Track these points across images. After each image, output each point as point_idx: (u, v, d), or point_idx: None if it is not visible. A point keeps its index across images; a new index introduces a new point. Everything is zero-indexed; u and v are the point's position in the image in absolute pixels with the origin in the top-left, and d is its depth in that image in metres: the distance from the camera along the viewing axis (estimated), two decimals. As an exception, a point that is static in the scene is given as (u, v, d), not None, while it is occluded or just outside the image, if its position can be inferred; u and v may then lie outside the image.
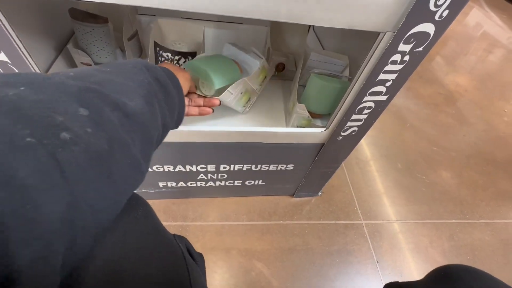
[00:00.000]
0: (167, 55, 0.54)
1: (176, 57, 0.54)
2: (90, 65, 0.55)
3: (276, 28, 0.71)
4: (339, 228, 0.82)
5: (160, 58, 0.56)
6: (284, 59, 0.67)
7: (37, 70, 0.38)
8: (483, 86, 1.56)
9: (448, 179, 1.03)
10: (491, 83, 1.61)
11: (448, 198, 0.96)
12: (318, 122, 0.62)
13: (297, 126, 0.61)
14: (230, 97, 0.52)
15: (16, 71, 0.37)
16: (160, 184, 0.70)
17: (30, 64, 0.37)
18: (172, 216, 0.77)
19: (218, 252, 0.72)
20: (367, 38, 0.53)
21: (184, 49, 0.55)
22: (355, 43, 0.61)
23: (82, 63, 0.55)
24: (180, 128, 0.52)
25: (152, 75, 0.26)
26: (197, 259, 0.31)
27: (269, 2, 0.33)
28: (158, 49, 0.54)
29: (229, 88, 0.50)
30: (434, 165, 1.06)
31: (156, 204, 0.77)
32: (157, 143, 0.25)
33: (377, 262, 0.77)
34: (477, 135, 1.23)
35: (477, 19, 2.44)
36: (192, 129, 0.52)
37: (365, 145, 1.09)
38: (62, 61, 0.56)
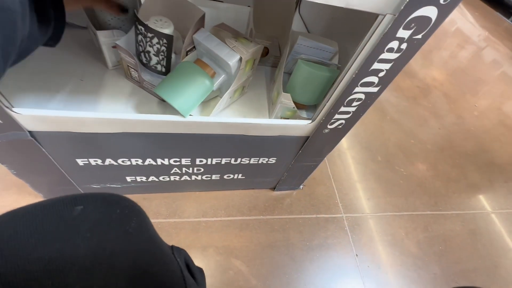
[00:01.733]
0: (141, 29, 0.45)
1: (150, 35, 0.46)
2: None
3: (260, 9, 0.64)
4: (320, 222, 0.80)
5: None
6: (268, 42, 0.61)
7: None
8: (456, 81, 1.62)
9: (424, 171, 1.05)
10: (464, 78, 1.67)
11: (424, 190, 0.99)
12: (304, 113, 0.58)
13: (281, 117, 0.56)
14: (222, 105, 0.46)
15: None
16: (128, 179, 0.63)
17: None
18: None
19: (194, 250, 0.67)
20: (359, 22, 0.49)
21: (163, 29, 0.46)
22: (345, 28, 0.56)
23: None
24: (150, 117, 0.45)
25: None
26: (197, 276, 0.26)
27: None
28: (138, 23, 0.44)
29: (218, 104, 0.45)
30: (411, 157, 1.08)
31: (124, 200, 0.70)
32: (22, 52, 0.22)
33: (356, 256, 0.76)
34: (450, 129, 1.27)
35: (452, 15, 2.52)
36: (164, 119, 0.46)
37: (347, 137, 1.07)
38: None
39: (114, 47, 0.50)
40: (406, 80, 1.47)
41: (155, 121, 0.45)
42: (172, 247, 0.25)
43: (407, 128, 1.20)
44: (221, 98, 0.50)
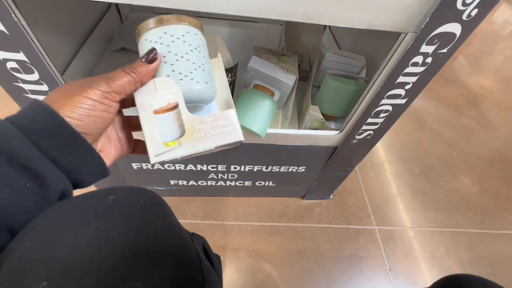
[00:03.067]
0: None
1: None
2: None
3: (291, 27, 0.70)
4: (351, 233, 0.80)
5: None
6: (299, 58, 0.66)
7: (54, 69, 0.39)
8: (509, 88, 1.48)
9: (468, 186, 0.98)
10: (519, 85, 1.52)
11: (468, 206, 0.92)
12: (332, 124, 0.60)
13: (310, 128, 0.59)
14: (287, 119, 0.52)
15: (35, 70, 0.37)
16: (171, 182, 0.71)
17: (47, 62, 0.37)
18: (182, 214, 0.77)
19: (227, 251, 0.72)
20: (386, 37, 0.51)
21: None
22: (373, 42, 0.59)
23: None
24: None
25: None
26: (214, 261, 0.30)
27: (285, 2, 0.32)
28: None
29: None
30: (453, 170, 1.02)
31: (167, 201, 0.78)
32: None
33: (390, 270, 0.74)
34: (501, 140, 1.17)
35: (505, 16, 2.31)
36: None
37: (380, 148, 1.05)
38: (83, 58, 0.57)
39: None
40: (448, 88, 1.39)
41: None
42: (193, 234, 0.28)
43: (448, 139, 1.13)
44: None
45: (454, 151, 1.08)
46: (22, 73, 0.38)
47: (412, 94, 0.46)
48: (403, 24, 0.35)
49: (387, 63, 0.41)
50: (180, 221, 0.82)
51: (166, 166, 0.63)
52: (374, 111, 0.49)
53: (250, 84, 0.56)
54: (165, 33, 0.28)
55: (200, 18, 0.61)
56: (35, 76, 0.38)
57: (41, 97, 0.42)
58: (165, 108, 0.27)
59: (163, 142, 0.28)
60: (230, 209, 0.80)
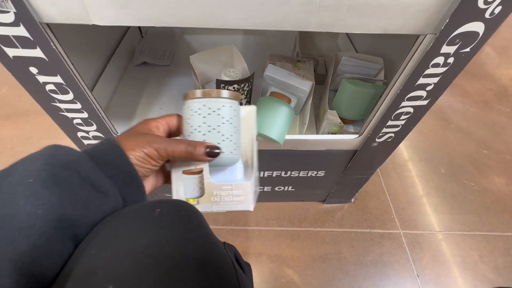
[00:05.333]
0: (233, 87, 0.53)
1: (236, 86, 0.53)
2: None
3: (305, 32, 0.70)
4: (374, 238, 0.78)
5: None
6: (314, 63, 0.66)
7: (86, 88, 0.42)
8: (546, 79, 1.37)
9: (502, 186, 0.92)
10: (556, 75, 1.41)
11: (503, 208, 0.86)
12: (351, 128, 0.59)
13: (328, 133, 0.59)
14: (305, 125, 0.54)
15: (70, 91, 0.41)
16: (193, 189, 0.73)
17: (80, 83, 0.41)
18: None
19: (249, 256, 0.73)
20: (404, 37, 0.50)
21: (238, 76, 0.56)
22: (390, 43, 0.57)
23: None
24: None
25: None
26: (245, 269, 0.31)
27: (299, 14, 0.32)
28: (223, 85, 0.52)
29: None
30: (484, 170, 0.96)
31: (189, 208, 0.81)
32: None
33: (418, 276, 0.71)
34: (538, 136, 1.08)
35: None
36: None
37: (403, 148, 1.02)
38: (109, 74, 0.61)
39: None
40: (475, 83, 1.32)
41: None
42: (224, 243, 0.30)
43: (477, 137, 1.07)
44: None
45: (484, 149, 1.02)
46: (58, 94, 0.41)
47: (434, 95, 0.44)
48: (421, 26, 0.35)
49: (406, 65, 0.40)
50: None
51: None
52: (395, 113, 0.48)
53: (266, 91, 0.57)
54: (204, 105, 0.32)
55: (215, 28, 0.63)
56: (70, 96, 0.42)
57: (73, 115, 0.45)
58: (192, 171, 0.33)
59: (184, 197, 0.33)
60: (251, 214, 0.81)
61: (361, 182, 0.73)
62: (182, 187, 0.33)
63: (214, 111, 0.32)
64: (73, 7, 0.31)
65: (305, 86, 0.52)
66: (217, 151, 0.32)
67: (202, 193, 0.33)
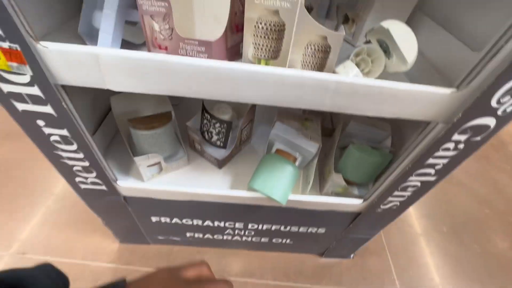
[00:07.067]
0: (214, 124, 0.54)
1: (213, 120, 0.54)
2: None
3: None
4: (374, 301, 0.73)
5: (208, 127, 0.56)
6: (322, 118, 0.66)
7: (90, 140, 0.41)
8: (544, 138, 1.39)
9: (505, 250, 0.89)
10: (554, 135, 1.43)
11: (507, 274, 0.83)
12: (355, 189, 0.58)
13: (332, 192, 0.58)
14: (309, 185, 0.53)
15: (74, 142, 0.40)
16: (187, 234, 0.70)
17: (85, 136, 0.40)
18: (196, 266, 0.75)
19: (239, 313, 0.68)
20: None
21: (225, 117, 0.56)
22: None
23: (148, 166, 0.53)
24: (214, 191, 0.53)
25: None
26: None
27: (314, 97, 0.33)
28: (206, 116, 0.53)
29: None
30: (487, 231, 0.93)
31: (181, 251, 0.77)
32: None
33: None
34: (540, 198, 1.07)
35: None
36: (225, 194, 0.52)
37: (403, 201, 1.00)
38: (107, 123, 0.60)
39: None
40: (476, 137, 1.33)
41: (219, 195, 0.52)
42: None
43: (479, 194, 1.06)
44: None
45: (487, 209, 1.01)
46: (62, 144, 0.40)
47: (442, 173, 0.44)
48: (433, 115, 0.35)
49: (416, 146, 0.40)
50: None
51: (184, 220, 0.63)
52: (402, 185, 0.47)
53: (272, 147, 0.56)
54: None
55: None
56: (73, 147, 0.41)
57: (74, 162, 0.44)
58: None
59: None
60: (245, 263, 0.77)
61: (362, 241, 0.71)
62: None
63: None
64: (90, 73, 0.31)
65: (311, 147, 0.52)
66: None
67: None
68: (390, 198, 0.51)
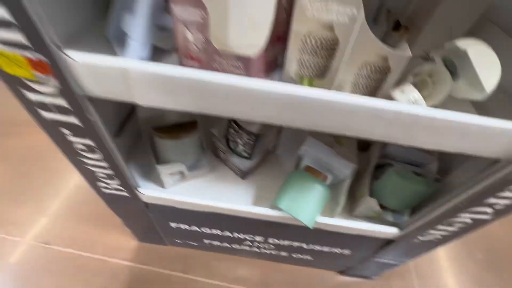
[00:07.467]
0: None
1: (241, 131, 0.51)
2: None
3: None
4: (396, 329, 0.69)
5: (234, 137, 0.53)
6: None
7: (116, 152, 0.39)
8: None
9: (549, 287, 0.80)
10: None
11: (550, 317, 0.74)
12: (389, 215, 0.53)
13: (364, 216, 0.53)
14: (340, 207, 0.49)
15: (100, 152, 0.38)
16: (205, 241, 0.68)
17: (111, 148, 0.38)
18: (211, 273, 0.74)
19: (252, 325, 0.66)
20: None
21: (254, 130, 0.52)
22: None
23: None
24: (237, 206, 0.50)
25: None
26: None
27: (365, 125, 0.28)
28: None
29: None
30: (529, 263, 0.84)
31: (197, 255, 0.76)
32: None
33: None
34: None
35: None
36: (248, 210, 0.49)
37: (434, 221, 0.92)
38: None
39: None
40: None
41: (241, 210, 0.50)
42: None
43: (522, 220, 0.95)
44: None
45: (530, 237, 0.91)
46: (87, 152, 0.39)
47: (501, 213, 0.38)
48: (506, 154, 0.29)
49: (477, 183, 0.34)
50: (208, 281, 0.77)
51: (202, 229, 0.61)
52: (449, 220, 0.42)
53: (300, 162, 0.52)
54: None
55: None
56: (98, 156, 0.39)
57: (98, 170, 0.43)
58: None
59: None
60: (261, 275, 0.74)
61: (389, 266, 0.66)
62: None
63: None
64: (118, 87, 0.29)
65: (345, 168, 0.47)
66: None
67: None
68: (431, 231, 0.46)
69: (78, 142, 0.37)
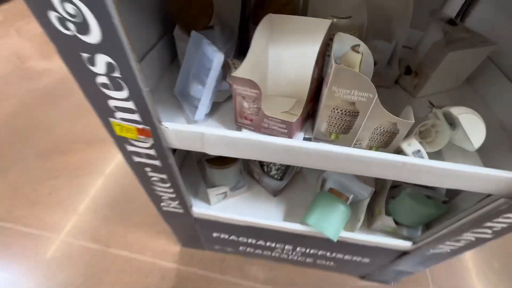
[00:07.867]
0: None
1: None
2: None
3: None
4: (413, 330, 0.76)
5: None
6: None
7: (181, 180, 0.50)
8: None
9: None
10: None
11: None
12: (404, 230, 0.61)
13: (380, 230, 0.61)
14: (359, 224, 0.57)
15: (173, 188, 0.50)
16: (240, 248, 0.79)
17: (182, 186, 0.49)
18: (245, 275, 0.84)
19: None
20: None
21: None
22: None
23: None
24: (270, 222, 0.60)
25: None
26: None
27: (381, 171, 0.37)
28: None
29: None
30: (547, 272, 0.88)
31: (232, 260, 0.87)
32: None
33: None
34: None
35: None
36: (280, 225, 0.59)
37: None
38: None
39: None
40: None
41: (276, 225, 0.59)
42: None
43: (541, 230, 0.98)
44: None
45: (549, 247, 0.94)
46: (159, 182, 0.50)
47: (501, 233, 0.45)
48: (497, 191, 0.37)
49: (475, 211, 0.42)
50: (241, 282, 0.87)
51: (240, 238, 0.72)
52: (455, 238, 0.49)
53: (325, 184, 0.61)
54: None
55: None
56: (167, 185, 0.51)
57: (163, 194, 0.54)
58: None
59: None
60: (290, 277, 0.84)
61: (406, 274, 0.73)
62: None
63: None
64: (195, 143, 0.40)
65: (364, 191, 0.56)
66: None
67: None
68: (441, 246, 0.53)
69: (155, 176, 0.48)
